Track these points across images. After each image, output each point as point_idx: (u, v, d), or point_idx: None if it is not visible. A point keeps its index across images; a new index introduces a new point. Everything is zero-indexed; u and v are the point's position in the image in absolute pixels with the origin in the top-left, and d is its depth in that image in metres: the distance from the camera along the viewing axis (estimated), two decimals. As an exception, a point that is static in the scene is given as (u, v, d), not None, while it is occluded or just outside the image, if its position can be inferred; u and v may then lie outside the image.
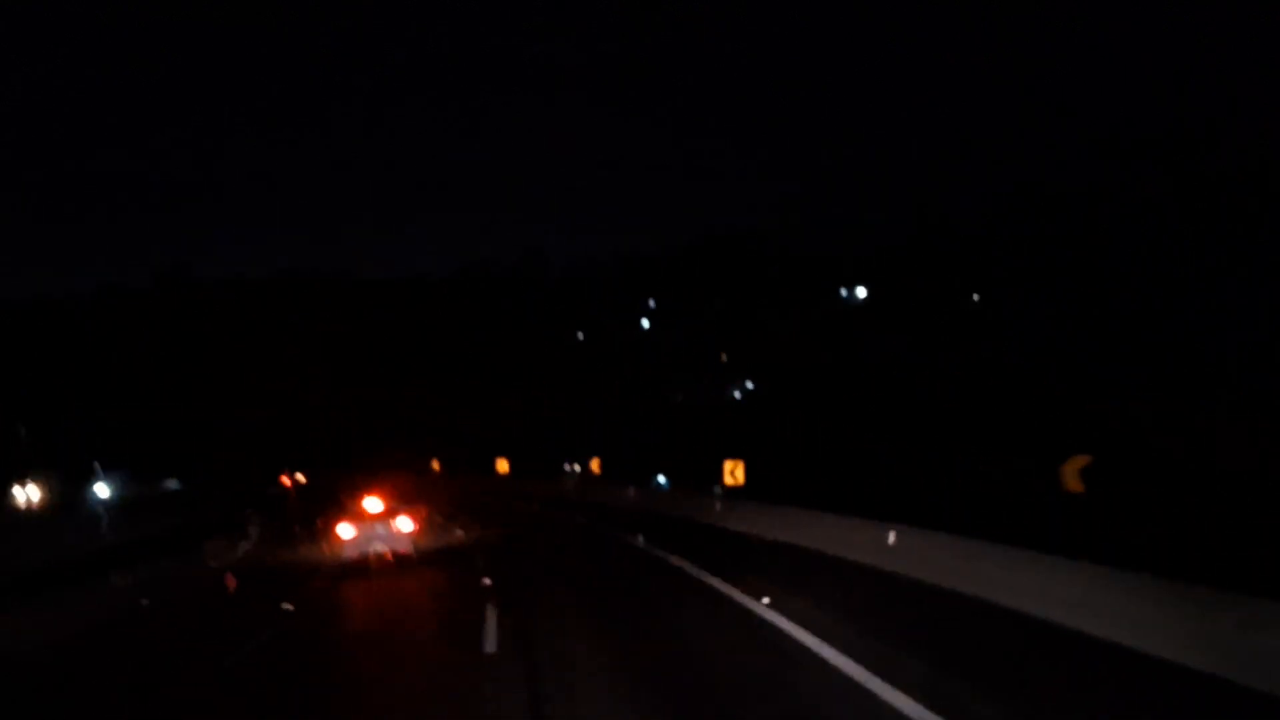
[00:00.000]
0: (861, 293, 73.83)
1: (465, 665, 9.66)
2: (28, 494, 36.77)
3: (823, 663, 8.27)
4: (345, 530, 17.93)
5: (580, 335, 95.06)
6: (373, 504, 18.72)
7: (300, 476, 55.63)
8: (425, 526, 20.40)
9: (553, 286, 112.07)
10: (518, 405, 72.10)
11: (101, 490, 34.72)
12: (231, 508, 36.64)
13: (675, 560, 16.30)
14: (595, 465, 35.64)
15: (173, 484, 53.13)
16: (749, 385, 64.68)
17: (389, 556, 17.57)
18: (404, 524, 18.17)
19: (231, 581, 17.10)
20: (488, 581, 14.94)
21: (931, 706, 6.61)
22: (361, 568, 17.48)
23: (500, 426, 62.67)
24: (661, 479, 33.47)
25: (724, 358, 70.30)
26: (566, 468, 39.34)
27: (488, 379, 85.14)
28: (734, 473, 21.40)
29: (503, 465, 45.10)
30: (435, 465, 46.64)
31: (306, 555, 21.38)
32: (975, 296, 59.58)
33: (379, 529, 17.97)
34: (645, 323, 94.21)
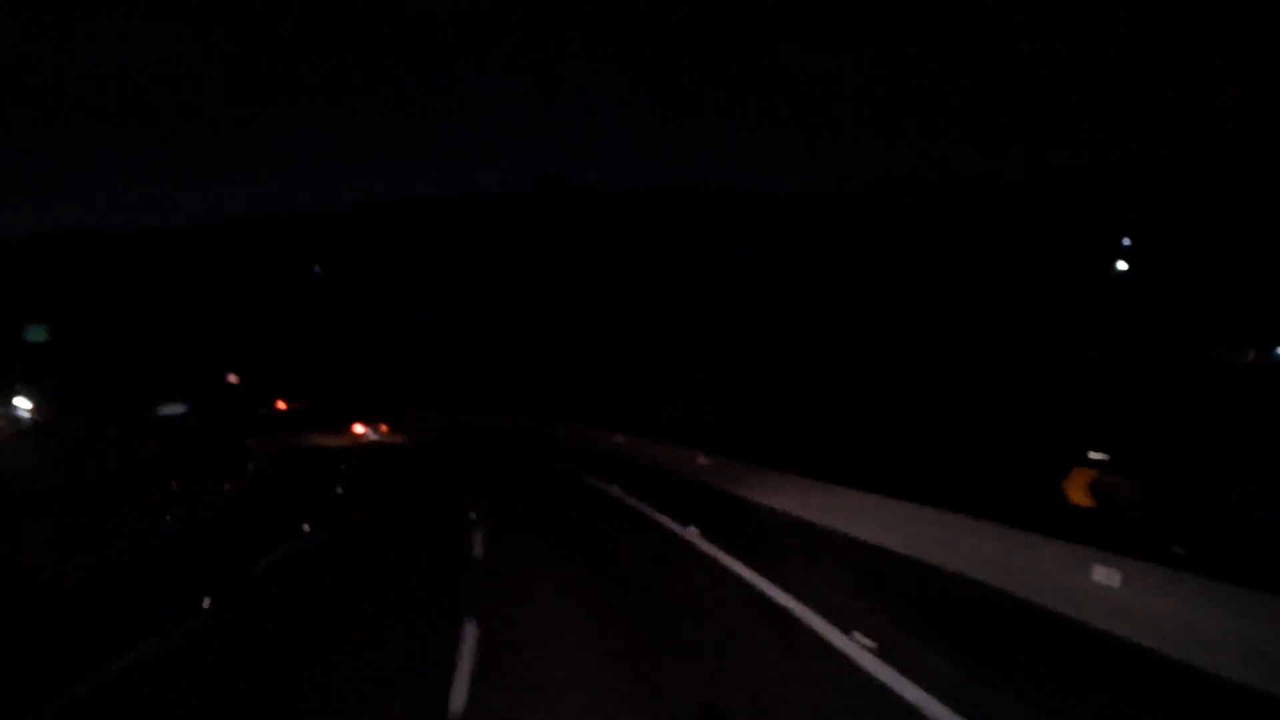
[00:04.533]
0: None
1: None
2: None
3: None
4: (358, 428, 46.17)
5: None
6: (367, 420, 46.93)
7: (294, 403, 66.63)
8: (389, 430, 47.41)
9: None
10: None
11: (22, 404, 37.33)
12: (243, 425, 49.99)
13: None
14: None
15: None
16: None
17: (373, 437, 45.48)
18: (380, 429, 46.97)
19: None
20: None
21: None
22: (366, 441, 43.81)
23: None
24: None
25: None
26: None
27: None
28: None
29: None
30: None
31: (336, 440, 43.57)
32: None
33: (370, 429, 46.18)
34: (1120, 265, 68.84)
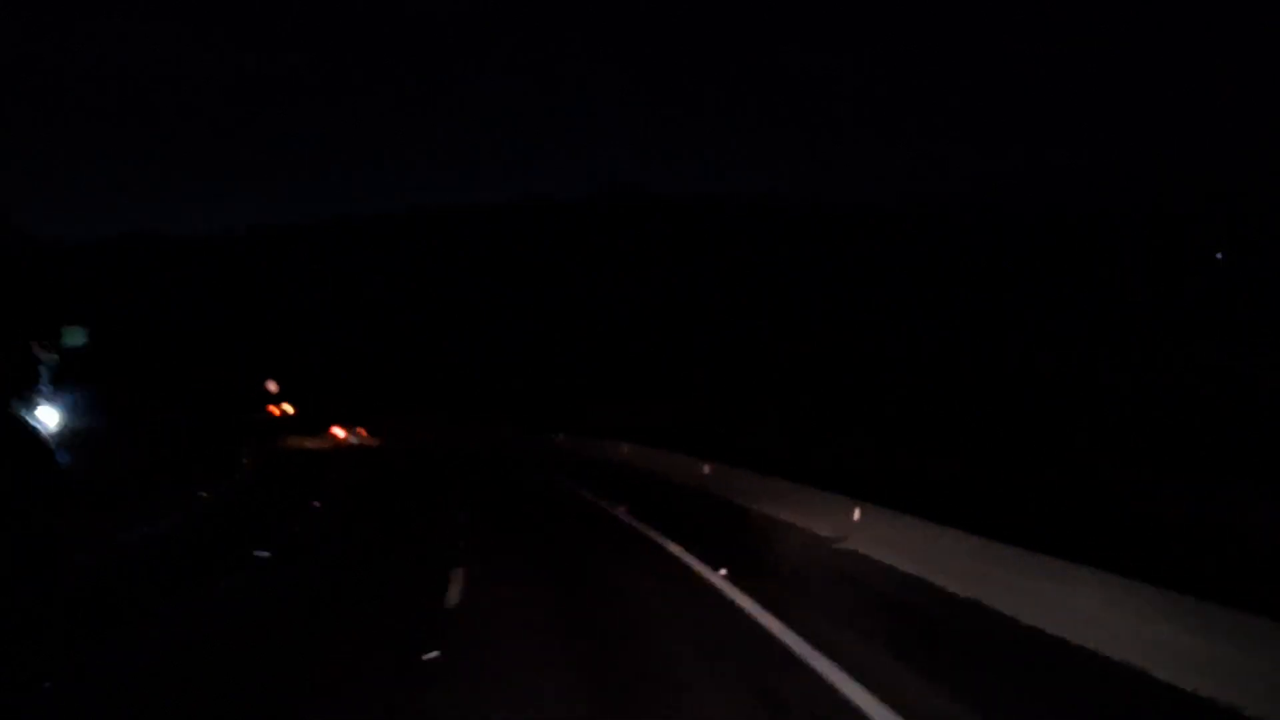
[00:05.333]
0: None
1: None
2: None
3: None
4: (339, 431, 52.01)
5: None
6: (346, 425, 53.21)
7: (287, 408, 68.57)
8: (366, 433, 53.60)
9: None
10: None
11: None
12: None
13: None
14: None
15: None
16: None
17: (353, 440, 50.26)
18: (359, 433, 52.94)
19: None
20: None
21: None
22: (346, 443, 48.79)
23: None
24: None
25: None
26: None
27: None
28: None
29: None
30: None
31: (318, 442, 48.07)
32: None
33: (350, 433, 52.12)
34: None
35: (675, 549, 12.25)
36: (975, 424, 29.36)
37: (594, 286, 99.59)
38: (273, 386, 63.52)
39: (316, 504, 19.93)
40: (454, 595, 8.85)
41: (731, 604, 9.07)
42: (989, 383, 38.37)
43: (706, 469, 21.16)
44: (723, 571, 10.66)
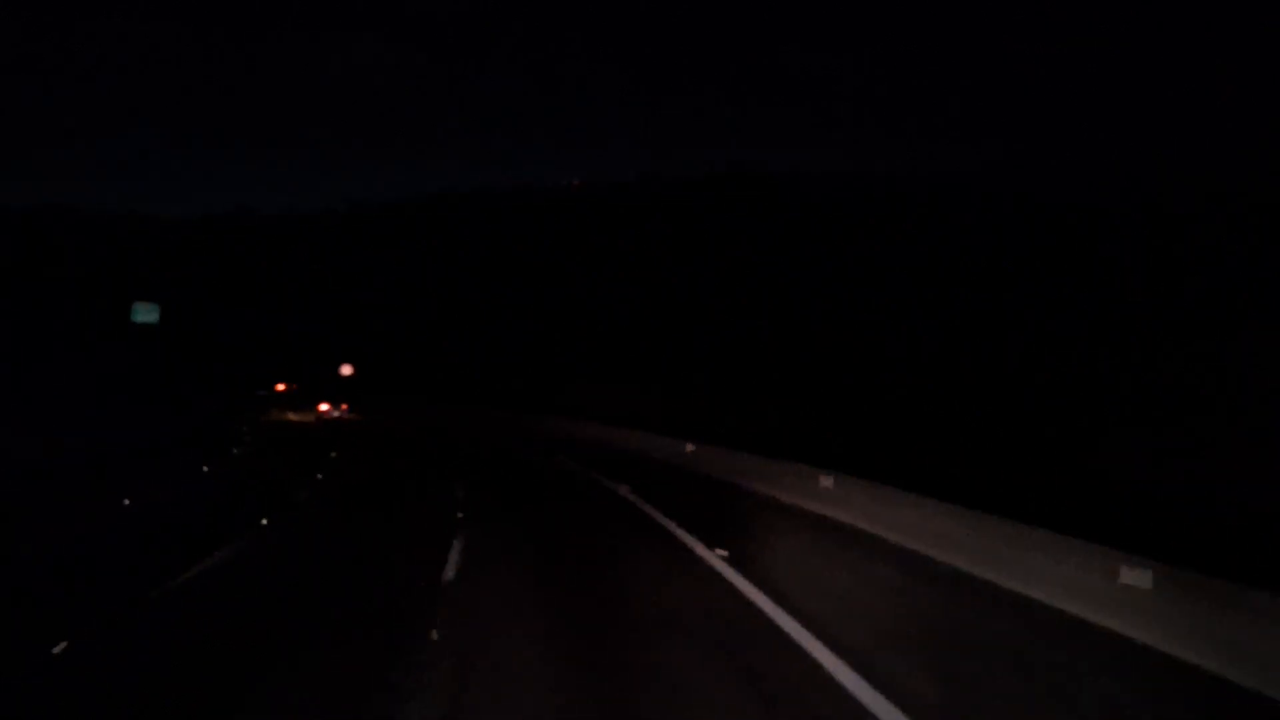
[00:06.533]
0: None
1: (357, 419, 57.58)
2: None
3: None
4: (323, 406, 59.25)
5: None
6: (331, 401, 59.59)
7: (292, 385, 72.96)
8: (348, 409, 58.72)
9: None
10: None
11: None
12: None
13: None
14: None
15: None
16: None
17: (337, 415, 57.83)
18: (341, 408, 59.41)
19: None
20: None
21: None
22: (329, 419, 56.78)
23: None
24: None
25: None
26: None
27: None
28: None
29: None
30: None
31: (303, 416, 55.75)
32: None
33: (334, 409, 58.78)
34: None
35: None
36: (974, 423, 29.51)
37: (594, 282, 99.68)
38: (347, 369, 66.88)
39: (333, 453, 30.79)
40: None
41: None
42: (987, 382, 38.56)
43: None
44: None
